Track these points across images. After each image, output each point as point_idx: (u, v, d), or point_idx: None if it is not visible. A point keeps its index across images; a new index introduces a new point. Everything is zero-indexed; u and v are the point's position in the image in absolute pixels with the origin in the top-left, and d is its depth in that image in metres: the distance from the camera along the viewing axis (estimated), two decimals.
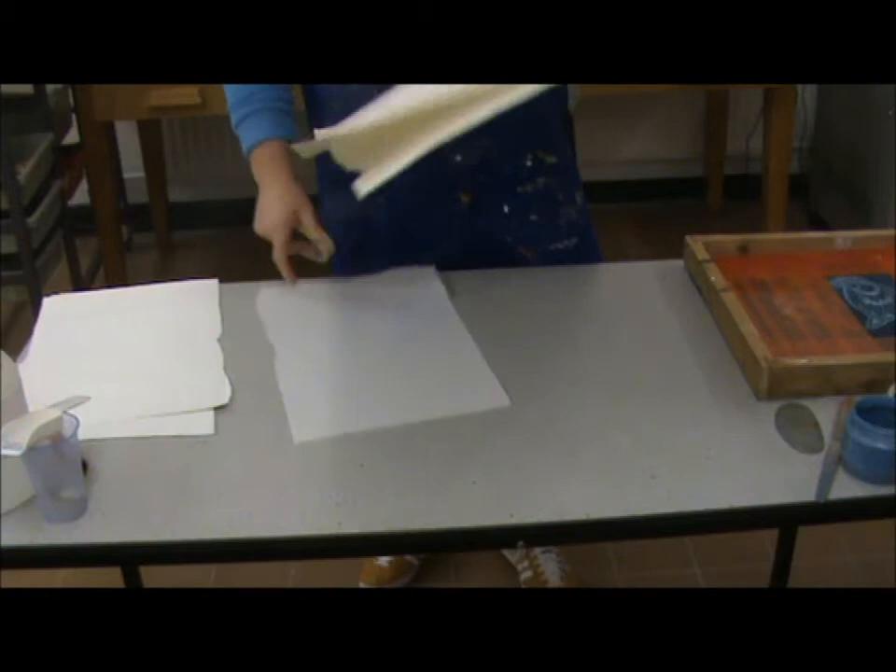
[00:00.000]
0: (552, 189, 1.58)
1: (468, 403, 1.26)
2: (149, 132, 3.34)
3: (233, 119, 1.53)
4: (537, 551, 2.08)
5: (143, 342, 1.43)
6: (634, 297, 1.52)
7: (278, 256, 1.50)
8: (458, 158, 1.55)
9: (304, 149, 1.43)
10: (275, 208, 1.48)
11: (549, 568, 2.06)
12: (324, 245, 1.50)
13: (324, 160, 1.62)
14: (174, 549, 1.10)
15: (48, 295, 1.56)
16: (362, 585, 2.11)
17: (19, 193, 2.53)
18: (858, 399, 1.17)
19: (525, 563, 2.08)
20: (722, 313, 1.40)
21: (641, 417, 1.24)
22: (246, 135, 1.52)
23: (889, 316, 1.42)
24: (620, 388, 1.30)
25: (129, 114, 2.98)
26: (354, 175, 1.58)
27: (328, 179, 1.65)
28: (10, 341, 2.81)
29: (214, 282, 1.58)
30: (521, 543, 1.11)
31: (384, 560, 2.08)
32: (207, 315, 1.48)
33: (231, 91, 1.53)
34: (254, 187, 1.54)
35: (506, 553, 2.16)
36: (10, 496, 1.11)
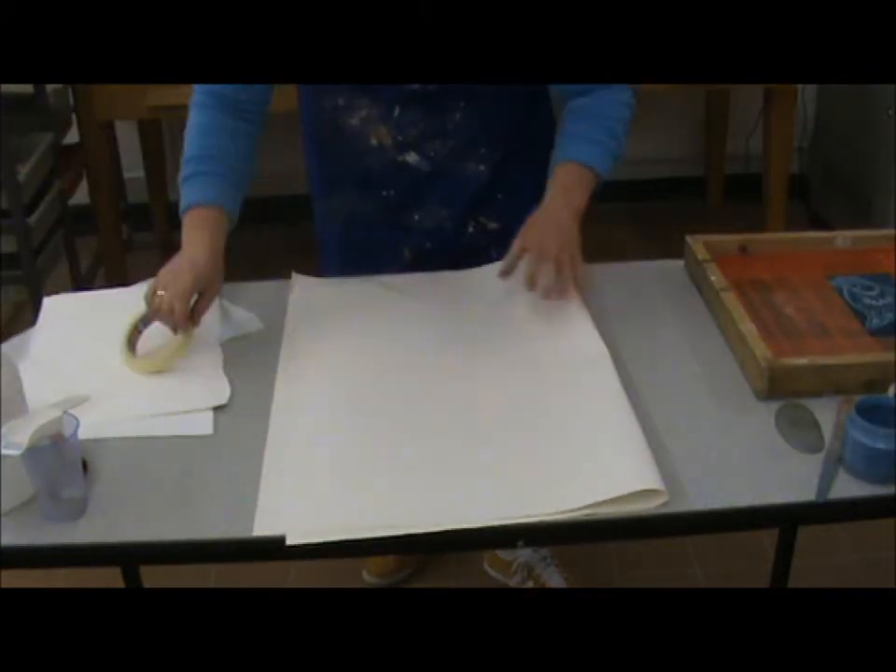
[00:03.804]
0: (490, 253, 1.59)
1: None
2: (149, 131, 3.34)
3: (182, 172, 1.47)
4: (535, 561, 2.07)
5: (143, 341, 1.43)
6: (634, 297, 1.52)
7: (172, 308, 1.35)
8: (416, 217, 1.60)
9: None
10: (187, 277, 1.35)
11: (555, 583, 2.05)
12: (184, 330, 1.37)
13: (315, 161, 1.63)
14: (174, 549, 1.10)
15: (48, 295, 1.56)
16: (365, 576, 2.11)
17: (19, 193, 2.53)
18: (858, 398, 1.17)
19: (525, 573, 2.07)
20: (722, 313, 1.40)
21: (641, 417, 1.24)
22: (189, 193, 1.44)
23: (889, 316, 1.42)
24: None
25: (129, 114, 2.98)
26: (346, 178, 1.60)
27: (319, 181, 1.66)
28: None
29: None
30: (521, 543, 1.11)
31: None
32: (207, 314, 1.48)
33: (189, 146, 1.49)
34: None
35: (491, 571, 2.15)
36: (10, 496, 1.11)
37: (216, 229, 1.42)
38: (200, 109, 1.52)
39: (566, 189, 1.46)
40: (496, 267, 1.53)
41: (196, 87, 1.51)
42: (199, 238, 1.40)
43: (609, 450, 1.15)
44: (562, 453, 1.17)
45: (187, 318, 1.35)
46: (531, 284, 1.39)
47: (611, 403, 1.23)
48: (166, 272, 1.37)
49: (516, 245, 1.41)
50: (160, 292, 1.35)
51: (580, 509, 1.08)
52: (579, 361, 1.31)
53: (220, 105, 1.50)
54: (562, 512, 1.08)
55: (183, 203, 1.44)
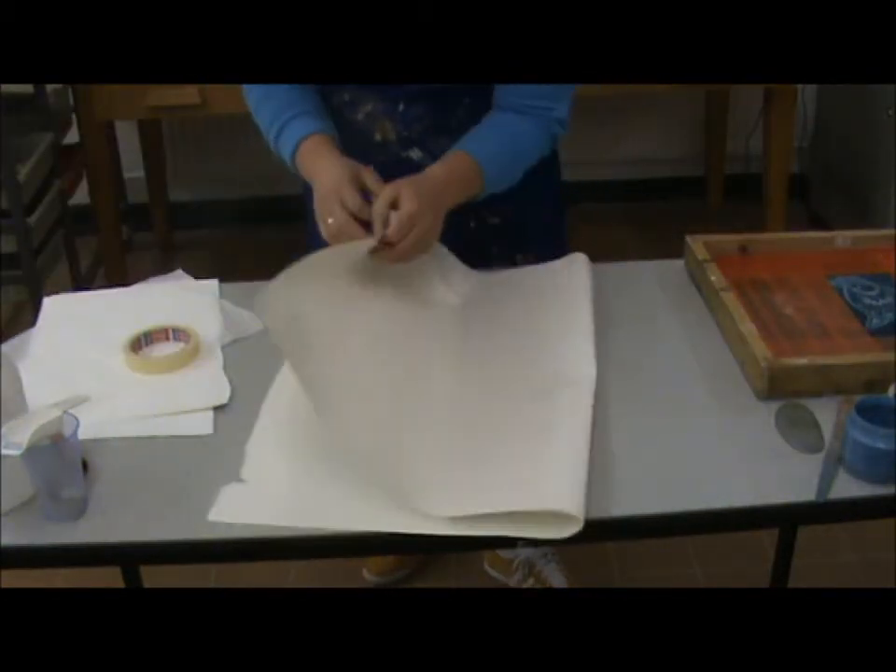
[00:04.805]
0: (490, 248, 1.58)
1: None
2: (149, 132, 3.34)
3: (270, 138, 1.49)
4: (536, 558, 2.07)
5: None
6: (634, 297, 1.52)
7: (346, 215, 1.31)
8: None
9: None
10: (335, 173, 1.36)
11: (555, 580, 2.05)
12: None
13: None
14: (174, 549, 1.10)
15: (48, 295, 1.56)
16: (366, 574, 2.12)
17: (19, 193, 2.53)
18: (858, 398, 1.17)
19: (526, 570, 2.07)
20: (722, 313, 1.40)
21: (641, 417, 1.24)
22: (292, 135, 1.45)
23: (889, 316, 1.42)
24: (619, 388, 1.30)
25: (129, 114, 2.98)
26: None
27: None
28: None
29: (214, 282, 1.58)
30: (521, 543, 1.11)
31: None
32: (207, 315, 1.48)
33: (262, 116, 1.51)
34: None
35: (492, 571, 2.15)
36: (10, 496, 1.11)
37: (330, 148, 1.43)
38: (251, 92, 1.53)
39: (451, 183, 1.40)
40: (512, 274, 1.55)
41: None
42: (321, 161, 1.40)
43: (541, 467, 1.13)
44: (497, 461, 1.16)
45: (354, 200, 1.32)
46: (386, 248, 1.33)
47: (568, 426, 1.20)
48: (320, 202, 1.35)
49: (389, 193, 1.33)
50: (329, 220, 1.32)
51: (488, 515, 1.07)
52: (562, 378, 1.30)
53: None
54: (471, 516, 1.07)
55: (287, 153, 1.46)
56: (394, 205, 1.32)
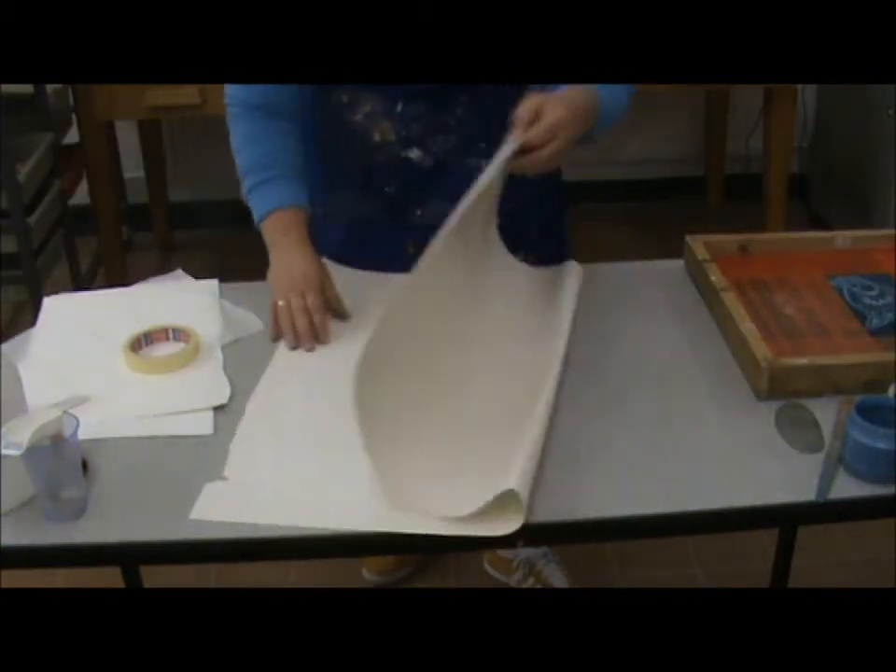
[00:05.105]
0: None
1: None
2: (149, 132, 3.34)
3: (245, 185, 1.51)
4: (536, 558, 2.07)
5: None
6: (634, 297, 1.52)
7: (308, 313, 1.41)
8: (419, 212, 1.59)
9: None
10: (303, 268, 1.44)
11: (555, 579, 2.05)
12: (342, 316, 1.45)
13: (317, 165, 1.63)
14: (174, 549, 1.10)
15: (48, 295, 1.56)
16: (365, 574, 2.12)
17: (19, 193, 2.53)
18: (858, 398, 1.17)
19: (526, 570, 2.07)
20: (722, 313, 1.40)
21: (641, 417, 1.24)
22: (261, 202, 1.49)
23: (889, 316, 1.42)
24: (620, 388, 1.30)
25: (129, 114, 2.98)
26: (349, 176, 1.60)
27: (322, 184, 1.66)
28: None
29: (214, 282, 1.58)
30: (521, 543, 1.11)
31: None
32: (207, 315, 1.48)
33: (244, 158, 1.53)
34: None
35: (492, 571, 2.15)
36: (10, 496, 1.11)
37: (301, 228, 1.49)
38: (238, 121, 1.54)
39: (585, 107, 1.39)
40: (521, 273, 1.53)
41: (227, 101, 1.54)
42: (293, 242, 1.47)
43: (487, 465, 1.14)
44: (446, 461, 1.16)
45: (320, 302, 1.41)
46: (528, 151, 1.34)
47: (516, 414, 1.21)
48: (281, 284, 1.43)
49: (533, 102, 1.34)
50: (280, 303, 1.41)
51: (442, 524, 1.07)
52: (528, 362, 1.30)
53: (255, 111, 1.52)
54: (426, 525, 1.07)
55: (258, 213, 1.50)
56: (536, 116, 1.33)
